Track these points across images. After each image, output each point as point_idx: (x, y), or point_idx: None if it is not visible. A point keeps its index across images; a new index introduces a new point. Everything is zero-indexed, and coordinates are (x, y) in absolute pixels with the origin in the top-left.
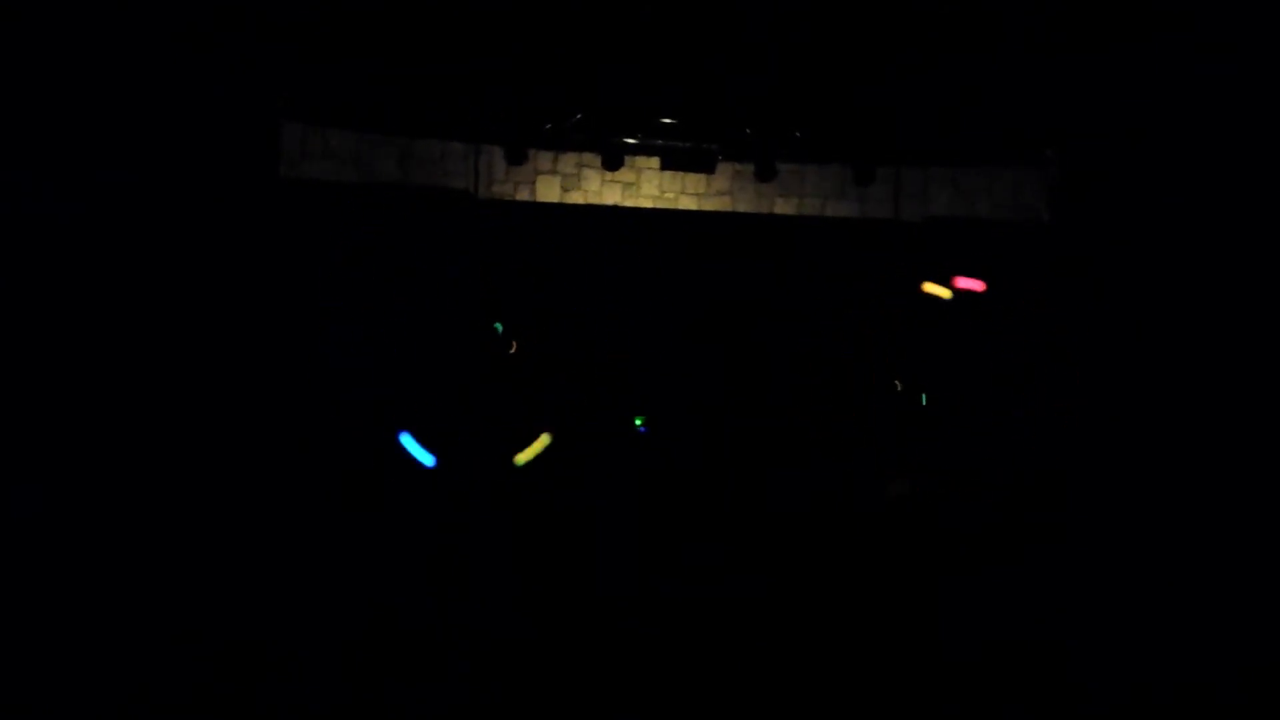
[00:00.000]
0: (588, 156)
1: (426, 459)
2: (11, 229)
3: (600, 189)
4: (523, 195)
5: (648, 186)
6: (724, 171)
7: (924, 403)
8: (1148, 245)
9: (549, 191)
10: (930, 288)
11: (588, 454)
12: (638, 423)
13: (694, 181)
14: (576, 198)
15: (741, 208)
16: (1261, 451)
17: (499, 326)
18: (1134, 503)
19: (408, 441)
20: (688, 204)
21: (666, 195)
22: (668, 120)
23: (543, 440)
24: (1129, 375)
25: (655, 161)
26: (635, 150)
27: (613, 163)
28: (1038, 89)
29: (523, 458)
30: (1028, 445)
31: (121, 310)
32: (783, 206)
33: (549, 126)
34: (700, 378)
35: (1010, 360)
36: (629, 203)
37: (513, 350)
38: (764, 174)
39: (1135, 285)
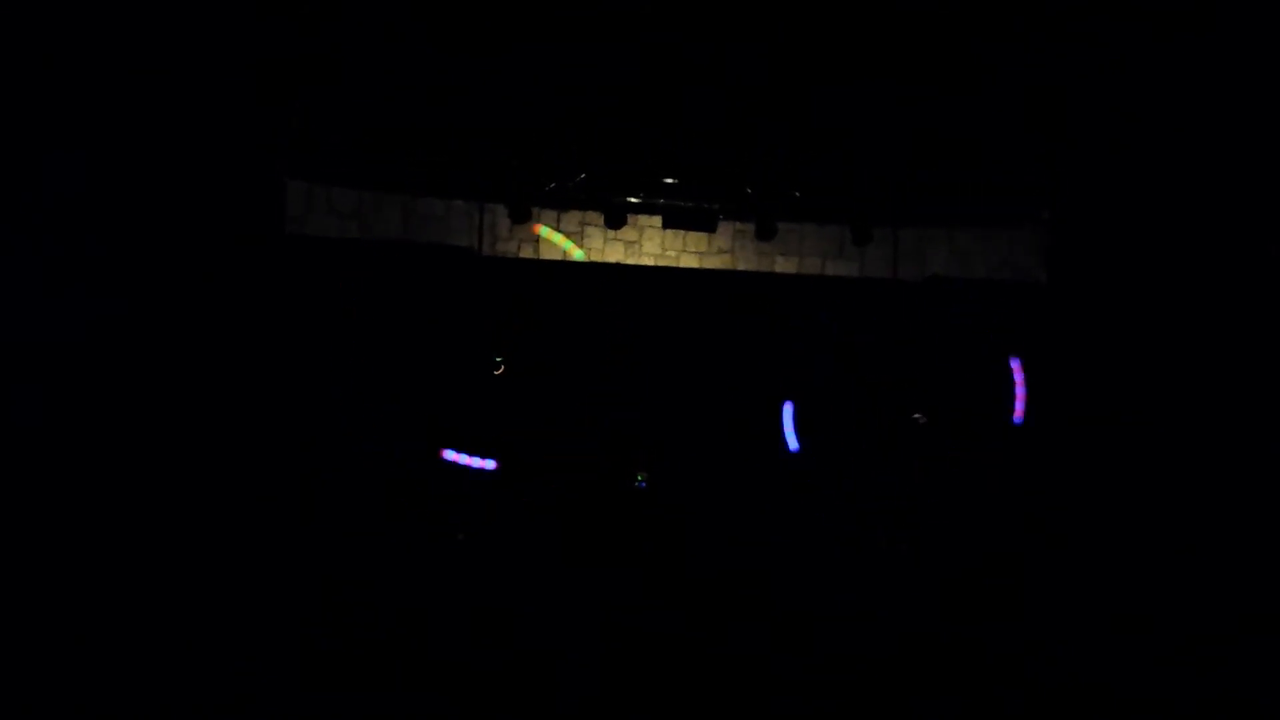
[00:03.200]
0: (591, 215)
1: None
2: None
3: (603, 247)
4: (526, 253)
5: (650, 245)
6: (725, 230)
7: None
8: (1141, 304)
9: (552, 249)
10: None
11: (587, 507)
12: (639, 479)
13: (695, 240)
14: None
15: (742, 266)
16: (1261, 454)
17: None
18: (1134, 507)
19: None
20: (689, 262)
21: (668, 253)
22: (669, 180)
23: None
24: (1127, 427)
25: (657, 220)
26: (637, 209)
27: (615, 221)
28: (1028, 138)
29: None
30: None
31: (127, 366)
32: (783, 265)
33: (552, 185)
34: (700, 434)
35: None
36: (631, 260)
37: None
38: (764, 233)
39: (1131, 342)
